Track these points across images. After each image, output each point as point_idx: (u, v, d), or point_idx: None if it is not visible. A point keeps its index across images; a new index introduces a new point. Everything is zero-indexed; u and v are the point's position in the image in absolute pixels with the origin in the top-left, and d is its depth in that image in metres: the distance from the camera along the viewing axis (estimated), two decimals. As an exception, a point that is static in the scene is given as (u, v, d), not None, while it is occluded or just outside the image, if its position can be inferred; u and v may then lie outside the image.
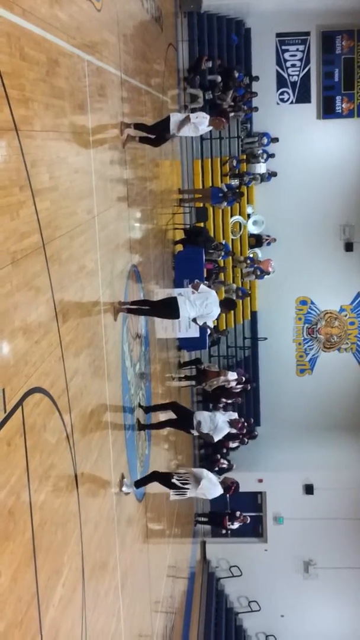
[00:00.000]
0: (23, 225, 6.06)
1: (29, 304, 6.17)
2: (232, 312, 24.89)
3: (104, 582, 8.85)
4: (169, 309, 11.13)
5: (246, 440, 22.43)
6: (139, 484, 11.23)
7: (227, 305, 13.51)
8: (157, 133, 11.96)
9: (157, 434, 14.15)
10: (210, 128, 12.32)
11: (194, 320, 11.34)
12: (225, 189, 22.23)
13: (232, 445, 22.27)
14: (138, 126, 11.64)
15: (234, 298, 24.40)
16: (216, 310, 11.39)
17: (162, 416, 13.64)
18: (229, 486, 11.95)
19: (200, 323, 11.46)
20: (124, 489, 10.20)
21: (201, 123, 11.80)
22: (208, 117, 12.01)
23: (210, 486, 11.46)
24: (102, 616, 8.71)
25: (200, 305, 11.09)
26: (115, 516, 9.66)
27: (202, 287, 11.39)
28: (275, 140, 25.30)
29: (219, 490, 11.60)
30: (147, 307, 11.40)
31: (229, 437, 21.01)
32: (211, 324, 11.80)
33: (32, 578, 5.91)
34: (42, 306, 6.53)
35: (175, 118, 11.70)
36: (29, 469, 5.92)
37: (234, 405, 21.52)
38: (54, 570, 6.57)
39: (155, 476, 11.74)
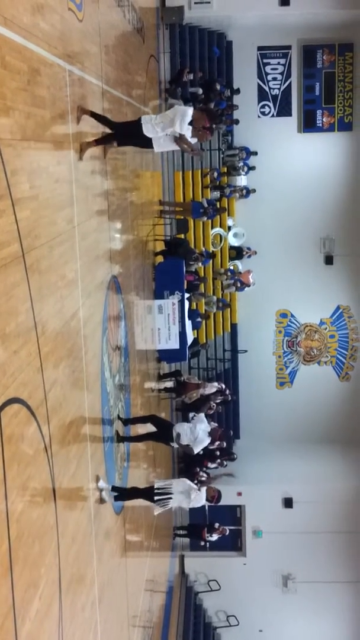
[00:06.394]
0: (2, 234, 6.01)
1: (8, 314, 6.12)
2: (212, 322, 24.93)
3: (81, 596, 8.78)
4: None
5: (225, 463, 22.34)
6: (119, 494, 11.10)
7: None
8: (121, 132, 10.85)
9: (136, 446, 14.09)
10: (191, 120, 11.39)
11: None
12: (206, 205, 22.24)
13: (211, 465, 22.15)
14: (96, 117, 10.37)
15: (214, 310, 24.41)
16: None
17: (141, 429, 13.59)
18: (211, 497, 11.97)
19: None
20: (100, 483, 10.08)
21: (185, 114, 10.96)
22: (191, 108, 11.23)
23: (200, 495, 11.53)
24: (79, 630, 8.63)
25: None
26: (93, 529, 9.58)
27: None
28: (254, 153, 25.35)
29: (203, 500, 11.63)
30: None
31: (208, 457, 20.97)
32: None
33: (8, 591, 5.85)
34: (21, 316, 6.47)
35: (148, 121, 10.90)
36: (6, 480, 5.85)
37: (214, 416, 21.43)
38: (30, 583, 6.50)
39: (135, 492, 11.69)
